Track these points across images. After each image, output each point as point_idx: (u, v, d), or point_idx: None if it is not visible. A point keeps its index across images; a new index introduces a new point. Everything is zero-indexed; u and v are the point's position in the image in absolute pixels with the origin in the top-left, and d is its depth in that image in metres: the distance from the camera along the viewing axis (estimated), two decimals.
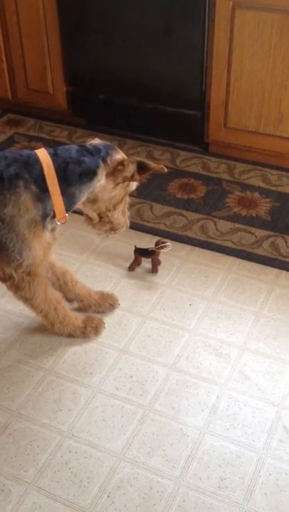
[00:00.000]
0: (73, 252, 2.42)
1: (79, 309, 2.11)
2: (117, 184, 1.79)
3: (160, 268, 2.32)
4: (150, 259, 2.31)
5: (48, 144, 3.12)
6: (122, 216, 1.91)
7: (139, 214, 2.62)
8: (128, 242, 2.46)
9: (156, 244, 2.28)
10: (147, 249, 2.29)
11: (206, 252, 2.41)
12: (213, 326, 2.08)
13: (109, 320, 2.10)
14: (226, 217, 2.59)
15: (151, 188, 2.78)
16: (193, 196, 2.73)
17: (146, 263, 2.34)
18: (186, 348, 2.00)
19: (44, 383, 1.88)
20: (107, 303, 2.12)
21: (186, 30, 2.70)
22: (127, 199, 1.93)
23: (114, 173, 1.76)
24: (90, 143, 1.83)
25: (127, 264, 2.34)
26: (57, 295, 1.95)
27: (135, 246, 2.31)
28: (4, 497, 1.57)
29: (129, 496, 1.57)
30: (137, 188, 2.75)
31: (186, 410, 1.79)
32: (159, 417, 1.77)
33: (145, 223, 2.57)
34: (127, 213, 1.96)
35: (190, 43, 2.72)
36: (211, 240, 2.47)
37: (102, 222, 1.90)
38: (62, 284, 2.05)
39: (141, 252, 2.30)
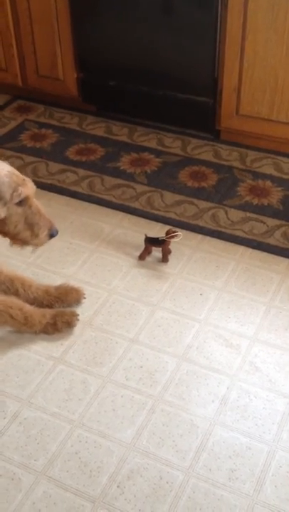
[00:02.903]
0: (83, 240, 2.41)
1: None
2: None
3: (170, 257, 2.31)
4: (160, 249, 2.29)
5: (58, 130, 3.11)
6: (25, 231, 1.74)
7: (149, 202, 2.60)
8: (138, 231, 2.44)
9: (167, 233, 2.26)
10: (158, 238, 2.27)
11: (217, 242, 2.40)
12: (223, 317, 2.07)
13: (120, 309, 2.10)
14: (237, 206, 2.57)
15: (162, 176, 2.76)
16: (204, 184, 2.71)
17: (156, 252, 2.32)
18: (197, 338, 1.99)
19: (54, 372, 1.88)
20: (70, 297, 2.08)
21: (199, 15, 2.65)
22: (30, 210, 1.72)
23: None
24: None
25: (138, 253, 2.33)
26: (7, 300, 1.90)
27: (146, 235, 2.30)
28: (14, 486, 1.58)
29: (138, 487, 1.58)
30: (148, 177, 2.75)
31: (196, 401, 1.79)
32: (169, 407, 1.77)
33: (155, 212, 2.55)
34: (42, 223, 1.75)
35: (202, 28, 2.67)
36: (222, 229, 2.45)
37: (11, 239, 1.78)
38: (14, 292, 2.02)
39: (151, 241, 2.28)
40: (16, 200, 1.67)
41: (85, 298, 2.12)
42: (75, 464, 1.63)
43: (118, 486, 1.58)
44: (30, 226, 1.74)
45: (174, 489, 1.57)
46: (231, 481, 1.59)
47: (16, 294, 2.03)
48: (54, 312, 1.99)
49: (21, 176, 1.70)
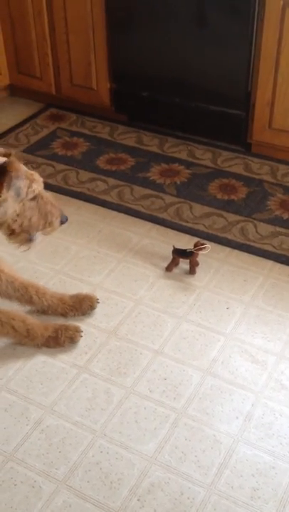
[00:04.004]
0: (111, 249, 2.41)
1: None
2: None
3: (198, 269, 2.29)
4: (188, 260, 2.28)
5: (90, 139, 3.13)
6: (39, 221, 1.77)
7: (178, 214, 2.59)
8: (166, 241, 2.44)
9: (195, 245, 2.25)
10: (186, 250, 2.26)
11: (245, 255, 2.37)
12: (250, 332, 2.04)
13: (145, 320, 2.09)
14: (266, 220, 2.55)
15: (191, 188, 2.75)
16: (234, 197, 2.69)
17: (184, 264, 2.31)
18: (222, 352, 1.97)
19: (78, 381, 1.87)
20: (84, 305, 2.08)
21: (234, 29, 2.65)
22: (43, 201, 1.76)
23: None
24: None
25: (165, 264, 2.32)
26: (10, 312, 1.90)
27: (174, 246, 2.29)
28: (35, 493, 1.58)
29: (159, 501, 1.56)
30: (177, 188, 2.75)
31: (219, 416, 1.76)
32: (192, 421, 1.75)
33: (184, 223, 2.54)
34: (53, 211, 1.78)
35: (237, 42, 2.67)
36: (251, 243, 2.42)
37: (15, 234, 1.79)
38: (28, 299, 2.02)
39: (179, 253, 2.27)
40: (30, 196, 1.72)
41: (98, 302, 2.12)
42: (95, 475, 1.62)
43: (138, 500, 1.56)
44: (44, 216, 1.79)
45: (194, 505, 1.55)
46: (253, 500, 1.56)
47: (30, 301, 2.03)
48: (57, 326, 1.98)
49: (30, 171, 1.74)
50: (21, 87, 3.44)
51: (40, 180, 1.77)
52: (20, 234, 1.79)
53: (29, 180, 1.71)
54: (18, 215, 1.74)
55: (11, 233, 1.79)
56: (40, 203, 1.77)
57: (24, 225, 1.77)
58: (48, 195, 1.80)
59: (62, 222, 1.84)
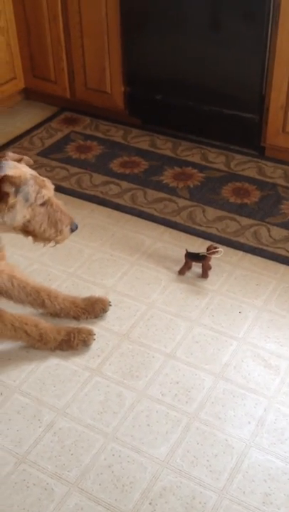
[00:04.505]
0: (123, 252, 2.41)
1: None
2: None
3: (211, 273, 2.29)
4: (201, 264, 2.28)
5: (103, 143, 3.14)
6: (50, 229, 1.80)
7: (191, 217, 2.59)
8: (179, 245, 2.44)
9: (208, 249, 2.25)
10: (198, 253, 2.26)
11: (258, 259, 2.37)
12: (262, 336, 2.04)
13: (158, 323, 2.09)
14: (280, 224, 2.54)
15: (204, 192, 2.75)
16: (247, 201, 2.69)
17: (196, 267, 2.31)
18: (235, 356, 1.96)
19: (90, 384, 1.88)
20: (97, 308, 2.09)
21: (249, 31, 2.65)
22: (52, 209, 1.78)
23: None
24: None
25: (178, 268, 2.32)
26: (22, 317, 1.91)
27: (186, 250, 2.29)
28: (47, 496, 1.59)
29: (171, 505, 1.56)
30: (190, 191, 2.75)
31: (232, 421, 1.76)
32: (204, 426, 1.75)
33: (197, 227, 2.54)
34: (64, 219, 1.81)
35: (252, 45, 2.67)
36: (264, 247, 2.42)
37: (35, 238, 1.83)
38: (40, 303, 2.03)
39: (192, 257, 2.27)
40: (40, 201, 1.74)
41: (110, 305, 2.13)
42: (107, 478, 1.62)
43: (150, 503, 1.57)
44: (54, 224, 1.80)
45: (206, 510, 1.55)
46: (265, 506, 1.55)
47: (43, 305, 2.05)
48: (70, 329, 1.99)
49: (41, 178, 1.76)
50: (36, 91, 3.47)
51: (51, 187, 1.78)
52: (36, 238, 1.82)
53: (39, 186, 1.73)
54: (28, 221, 1.75)
55: (29, 235, 1.82)
56: (50, 210, 1.78)
57: (37, 231, 1.79)
58: (59, 202, 1.82)
59: (72, 230, 1.85)
